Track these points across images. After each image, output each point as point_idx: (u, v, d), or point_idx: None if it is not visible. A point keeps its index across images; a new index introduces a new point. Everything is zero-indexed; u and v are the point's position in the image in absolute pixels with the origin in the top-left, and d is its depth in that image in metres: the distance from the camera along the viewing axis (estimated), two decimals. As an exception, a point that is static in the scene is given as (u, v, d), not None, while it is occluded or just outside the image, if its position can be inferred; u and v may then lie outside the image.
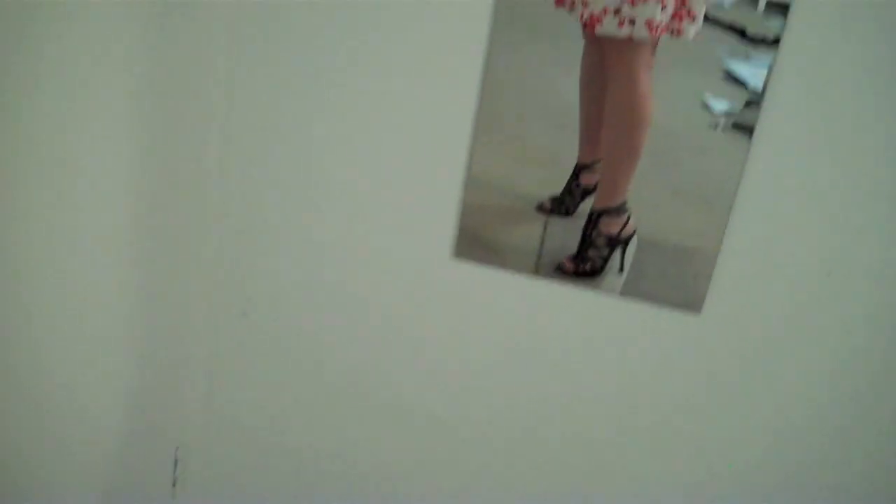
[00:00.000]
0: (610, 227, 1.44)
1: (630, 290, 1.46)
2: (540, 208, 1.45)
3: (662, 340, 1.49)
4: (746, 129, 1.35)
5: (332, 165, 1.49)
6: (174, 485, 1.67)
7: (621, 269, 1.45)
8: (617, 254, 1.45)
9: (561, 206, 1.44)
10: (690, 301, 1.44)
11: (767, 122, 1.33)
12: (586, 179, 1.43)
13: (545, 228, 1.46)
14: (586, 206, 1.44)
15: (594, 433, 1.59)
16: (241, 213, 1.54)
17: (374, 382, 1.62)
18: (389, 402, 1.64)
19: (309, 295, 1.57)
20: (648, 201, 1.41)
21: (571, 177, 1.42)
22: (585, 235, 1.45)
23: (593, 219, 1.44)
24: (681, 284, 1.44)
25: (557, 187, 1.43)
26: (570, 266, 1.47)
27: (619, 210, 1.42)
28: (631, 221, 1.43)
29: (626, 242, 1.44)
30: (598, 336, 1.51)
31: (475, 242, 1.48)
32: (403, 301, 1.55)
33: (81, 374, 1.25)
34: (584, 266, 1.46)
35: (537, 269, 1.48)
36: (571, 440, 1.60)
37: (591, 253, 1.46)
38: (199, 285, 1.57)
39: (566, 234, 1.46)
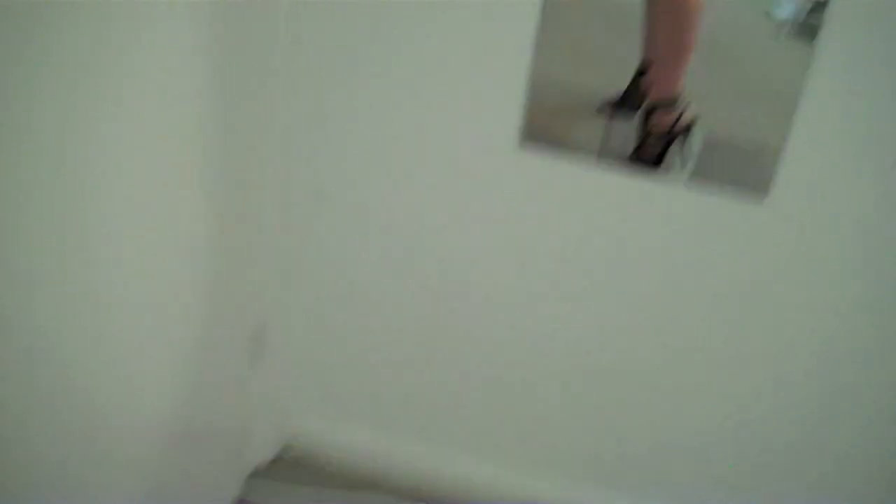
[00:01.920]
0: (664, 120, 1.47)
1: (694, 184, 1.50)
2: (601, 109, 1.49)
3: (726, 228, 1.54)
4: (811, 33, 1.37)
5: (400, 56, 1.54)
6: (253, 359, 1.80)
7: (683, 164, 1.49)
8: (676, 148, 1.49)
9: (622, 106, 1.48)
10: (755, 194, 1.48)
11: (832, 25, 1.35)
12: (647, 84, 1.46)
13: (606, 128, 1.50)
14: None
15: (655, 322, 1.67)
16: (312, 99, 1.61)
17: (439, 262, 1.72)
18: (454, 282, 1.73)
19: (378, 179, 1.66)
20: (713, 101, 1.44)
21: (634, 78, 1.46)
22: (641, 130, 1.49)
23: (647, 112, 1.47)
24: (745, 180, 1.48)
25: (619, 87, 1.47)
26: (629, 161, 1.52)
27: (673, 103, 1.45)
28: (687, 114, 1.46)
29: (683, 135, 1.47)
30: (662, 225, 1.57)
31: (540, 137, 1.54)
32: (470, 186, 1.62)
33: (163, 258, 1.33)
34: (642, 160, 1.51)
35: (599, 161, 1.53)
36: (630, 329, 1.69)
37: (648, 148, 1.49)
38: (274, 167, 1.66)
39: (627, 134, 1.50)
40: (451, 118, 1.57)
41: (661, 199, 1.54)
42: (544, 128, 1.52)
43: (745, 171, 1.48)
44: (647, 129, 1.48)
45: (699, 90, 1.44)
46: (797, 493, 1.81)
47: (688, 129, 1.46)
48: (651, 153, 1.50)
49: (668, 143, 1.48)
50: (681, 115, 1.46)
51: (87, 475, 1.24)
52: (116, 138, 1.12)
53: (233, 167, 1.49)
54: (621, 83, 1.47)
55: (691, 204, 1.52)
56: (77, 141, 1.04)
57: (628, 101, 1.48)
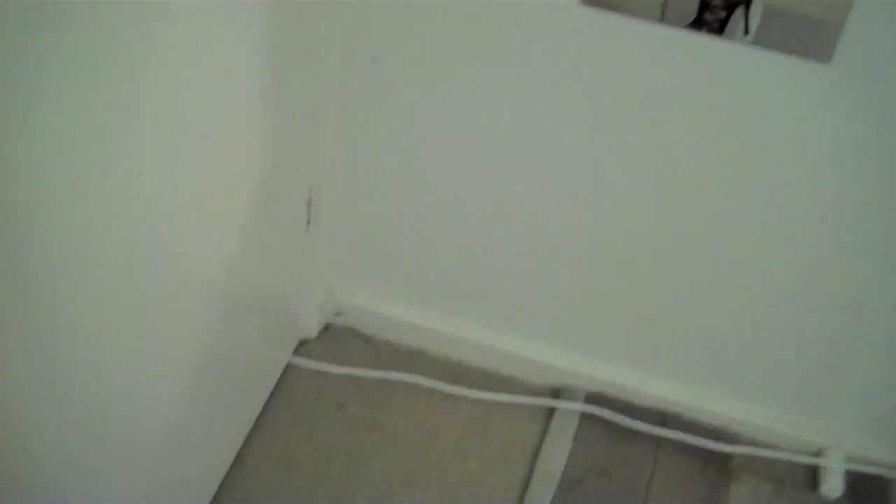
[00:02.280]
0: None
1: (760, 38, 1.47)
2: None
3: (789, 89, 1.52)
4: None
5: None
6: (308, 223, 1.81)
7: (746, 31, 1.47)
8: (738, 15, 1.46)
9: None
10: (818, 59, 1.46)
11: None
12: None
13: None
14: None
15: (710, 181, 1.66)
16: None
17: (497, 123, 1.70)
18: (512, 142, 1.71)
19: (435, 40, 1.63)
20: None
21: None
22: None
23: None
24: (807, 48, 1.45)
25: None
26: (691, 28, 1.48)
27: None
28: None
29: (745, 2, 1.45)
30: (723, 83, 1.55)
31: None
32: (532, 45, 1.59)
33: (220, 123, 1.33)
34: (704, 27, 1.48)
35: (663, 17, 1.50)
36: (684, 187, 1.68)
37: (708, 16, 1.47)
38: (329, 29, 1.64)
39: (689, 1, 1.47)
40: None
41: (723, 57, 1.51)
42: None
43: (808, 39, 1.46)
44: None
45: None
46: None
47: None
48: (713, 18, 1.47)
49: (730, 12, 1.46)
50: None
51: (141, 333, 1.25)
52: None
53: (294, 29, 1.47)
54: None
55: (754, 63, 1.50)
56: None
57: None
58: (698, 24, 1.48)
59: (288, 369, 1.93)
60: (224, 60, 1.28)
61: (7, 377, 0.97)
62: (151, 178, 1.14)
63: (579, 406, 1.95)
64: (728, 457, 1.91)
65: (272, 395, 1.87)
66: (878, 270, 1.68)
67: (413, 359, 2.00)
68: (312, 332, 2.01)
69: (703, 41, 1.50)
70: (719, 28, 1.47)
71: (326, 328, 2.04)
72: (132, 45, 1.01)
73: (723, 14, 1.46)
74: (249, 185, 1.48)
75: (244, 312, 1.62)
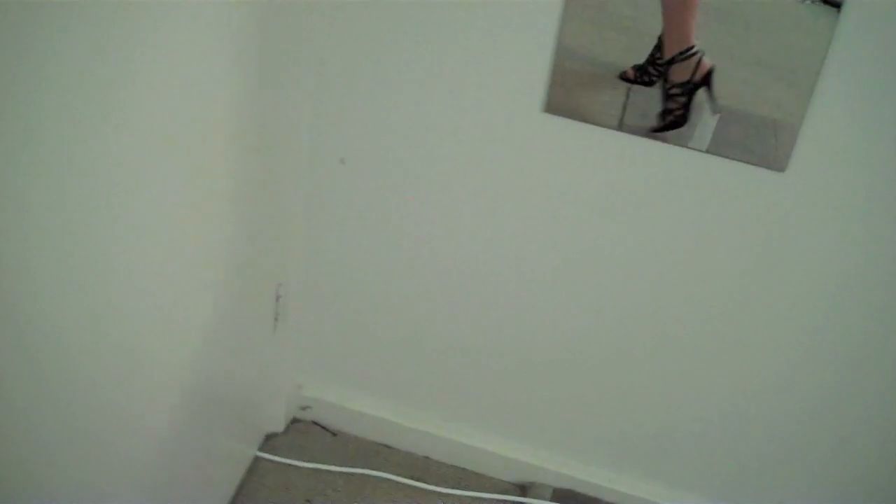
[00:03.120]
0: (682, 73, 1.50)
1: (714, 150, 1.53)
2: (622, 77, 1.52)
3: (746, 195, 1.57)
4: (835, 4, 1.39)
5: (426, 24, 1.56)
6: (276, 319, 1.82)
7: (716, 109, 1.51)
8: (701, 97, 1.51)
9: (643, 75, 1.51)
10: (774, 164, 1.51)
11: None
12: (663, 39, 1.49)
13: (627, 96, 1.53)
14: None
15: (673, 287, 1.69)
16: (341, 67, 1.63)
17: (463, 225, 1.74)
18: (478, 245, 1.75)
19: (402, 145, 1.68)
20: (731, 72, 1.47)
21: (654, 48, 1.49)
22: (664, 89, 1.52)
23: (664, 71, 1.50)
24: (764, 151, 1.51)
25: (641, 56, 1.50)
26: (657, 123, 1.54)
27: (687, 54, 1.48)
28: (704, 62, 1.48)
29: (704, 84, 1.49)
30: (682, 190, 1.59)
31: (563, 103, 1.56)
32: (495, 151, 1.64)
33: (185, 220, 1.34)
34: (668, 118, 1.53)
35: (621, 128, 1.56)
36: (648, 294, 1.71)
37: (671, 104, 1.52)
38: (299, 133, 1.68)
39: (648, 103, 1.53)
40: (478, 86, 1.59)
41: (680, 162, 1.56)
42: (568, 95, 1.55)
43: (764, 145, 1.51)
44: (669, 85, 1.51)
45: (719, 61, 1.46)
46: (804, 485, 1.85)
47: (708, 76, 1.49)
48: (674, 110, 1.52)
49: (690, 96, 1.50)
50: (698, 63, 1.48)
51: (105, 432, 1.25)
52: (143, 101, 1.12)
53: (260, 133, 1.51)
54: (643, 52, 1.50)
55: (710, 168, 1.55)
56: (104, 106, 1.04)
57: (649, 69, 1.51)
58: (664, 116, 1.52)
59: (255, 463, 1.93)
60: (194, 159, 1.30)
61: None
62: (119, 273, 1.16)
63: (547, 503, 1.95)
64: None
65: (239, 489, 1.86)
66: (845, 377, 1.71)
67: (380, 453, 2.00)
68: (279, 426, 2.01)
69: (659, 147, 1.55)
70: (682, 118, 1.52)
71: (293, 422, 2.04)
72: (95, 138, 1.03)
73: (685, 100, 1.51)
74: (218, 283, 1.50)
75: (209, 407, 1.62)
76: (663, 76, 1.50)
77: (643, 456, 1.93)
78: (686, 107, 1.52)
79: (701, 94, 1.50)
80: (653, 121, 1.54)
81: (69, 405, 1.13)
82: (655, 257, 1.67)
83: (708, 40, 1.46)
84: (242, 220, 1.53)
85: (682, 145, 1.54)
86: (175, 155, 1.24)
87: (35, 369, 1.03)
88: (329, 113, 1.68)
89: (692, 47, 1.47)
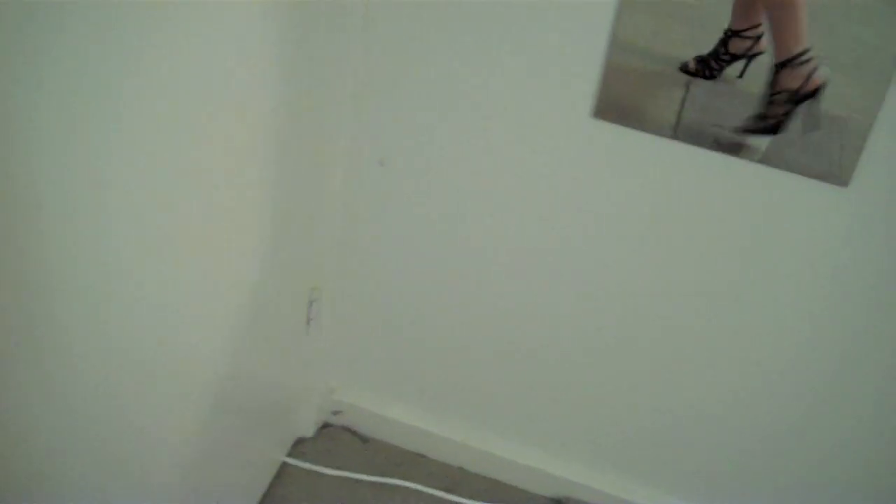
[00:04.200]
0: (791, 80, 1.39)
1: (773, 157, 1.45)
2: (683, 69, 1.43)
3: (805, 213, 1.48)
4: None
5: (472, 23, 1.50)
6: (308, 323, 1.77)
7: (812, 127, 1.40)
8: (802, 111, 1.40)
9: (706, 68, 1.42)
10: (837, 173, 1.42)
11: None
12: (735, 46, 1.41)
13: (687, 89, 1.44)
14: (731, 70, 1.42)
15: (723, 304, 1.61)
16: (382, 68, 1.57)
17: (503, 233, 1.67)
18: (518, 253, 1.68)
19: (444, 148, 1.61)
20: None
21: (720, 42, 1.40)
22: (766, 92, 1.41)
23: (773, 73, 1.39)
24: (828, 155, 1.42)
25: (703, 48, 1.41)
26: (751, 125, 1.44)
27: (800, 59, 1.37)
28: (819, 73, 1.37)
29: (811, 97, 1.39)
30: (736, 204, 1.51)
31: (614, 106, 1.49)
32: (540, 158, 1.57)
33: (220, 221, 1.30)
34: (763, 123, 1.43)
35: (676, 132, 1.48)
36: (696, 311, 1.63)
37: (772, 110, 1.41)
38: (338, 134, 1.63)
39: (708, 97, 1.44)
40: (525, 87, 1.52)
41: (737, 175, 1.48)
42: (620, 96, 1.47)
43: (829, 147, 1.42)
44: (773, 92, 1.40)
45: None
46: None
47: (818, 90, 1.39)
48: (775, 116, 1.42)
49: (794, 105, 1.40)
50: (811, 74, 1.37)
51: (136, 430, 1.22)
52: (181, 97, 1.08)
53: (298, 135, 1.46)
54: (706, 44, 1.41)
55: (768, 182, 1.47)
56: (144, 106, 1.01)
57: (712, 63, 1.42)
58: (761, 118, 1.43)
59: (283, 469, 1.88)
60: (229, 159, 1.26)
61: None
62: (153, 272, 1.12)
63: (582, 520, 1.88)
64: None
65: (265, 495, 1.82)
66: (876, 410, 1.63)
67: (412, 462, 1.95)
68: (309, 431, 1.96)
69: (714, 158, 1.47)
70: (780, 122, 1.42)
71: (324, 427, 1.99)
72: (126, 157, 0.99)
73: (786, 108, 1.41)
74: (250, 284, 1.46)
75: (239, 410, 1.58)
76: (770, 81, 1.40)
77: (680, 474, 1.85)
78: (787, 115, 1.42)
79: (803, 107, 1.40)
80: (713, 116, 1.44)
81: (97, 405, 1.10)
82: (706, 276, 1.59)
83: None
84: (278, 221, 1.48)
85: (736, 155, 1.46)
86: (210, 155, 1.19)
87: (65, 372, 0.99)
88: (369, 114, 1.62)
89: (807, 51, 1.36)
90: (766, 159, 1.45)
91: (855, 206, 1.45)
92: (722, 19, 1.39)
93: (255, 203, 1.39)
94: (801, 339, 1.60)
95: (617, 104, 1.48)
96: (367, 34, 1.54)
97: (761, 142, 1.44)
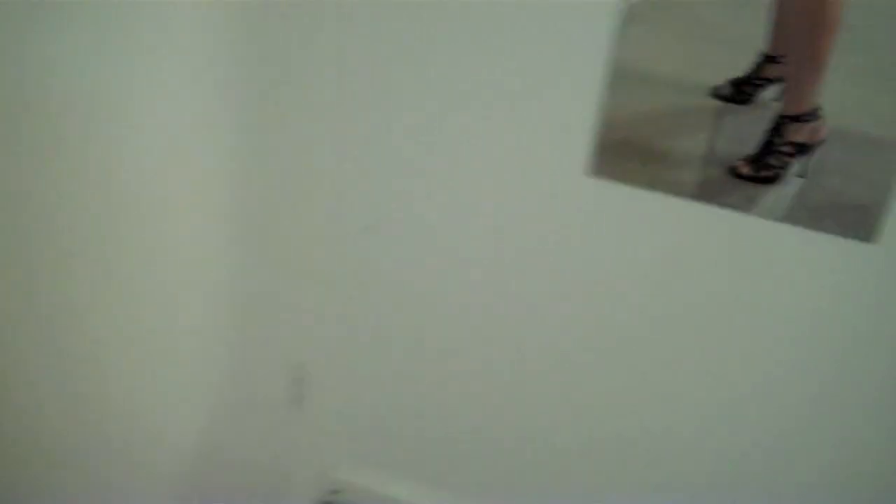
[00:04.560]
0: (798, 134, 1.28)
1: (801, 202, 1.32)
2: (716, 94, 1.30)
3: (829, 274, 1.34)
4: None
5: (454, 70, 1.40)
6: (295, 401, 1.67)
7: (803, 174, 1.29)
8: (800, 162, 1.29)
9: (739, 93, 1.30)
10: (861, 233, 1.28)
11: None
12: (770, 72, 1.27)
13: (717, 118, 1.31)
14: (763, 95, 1.30)
15: (734, 375, 1.48)
16: (366, 131, 1.48)
17: (498, 300, 1.55)
18: (515, 326, 1.57)
19: (431, 212, 1.51)
20: (834, 84, 1.24)
21: (755, 67, 1.27)
22: (768, 141, 1.30)
23: (779, 124, 1.28)
24: (852, 216, 1.28)
25: (731, 73, 1.28)
26: (746, 169, 1.32)
27: (809, 116, 1.26)
28: (823, 128, 1.26)
29: (813, 150, 1.28)
30: (753, 268, 1.38)
31: (620, 153, 1.36)
32: (533, 223, 1.46)
33: (191, 289, 1.22)
34: (763, 173, 1.31)
35: (702, 185, 1.33)
36: (705, 378, 1.50)
37: (774, 160, 1.30)
38: (322, 200, 1.53)
39: (741, 128, 1.31)
40: (512, 144, 1.41)
41: (748, 235, 1.35)
42: (620, 146, 1.34)
43: (866, 175, 1.27)
44: (776, 142, 1.29)
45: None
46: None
47: (820, 143, 1.27)
48: (774, 166, 1.30)
49: (801, 157, 1.29)
50: (817, 130, 1.27)
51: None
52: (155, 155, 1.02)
53: (274, 197, 1.38)
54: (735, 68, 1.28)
55: (786, 243, 1.34)
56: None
57: (746, 88, 1.28)
58: (764, 167, 1.31)
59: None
60: (204, 234, 1.19)
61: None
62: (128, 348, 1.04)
63: None
64: None
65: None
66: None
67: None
68: (305, 511, 1.84)
69: (726, 217, 1.35)
70: (781, 173, 1.31)
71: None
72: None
73: (790, 160, 1.29)
74: (219, 365, 1.37)
75: (218, 493, 1.48)
76: (776, 132, 1.29)
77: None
78: (787, 167, 1.30)
79: (802, 158, 1.29)
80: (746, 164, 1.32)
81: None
82: (713, 341, 1.46)
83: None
84: (250, 299, 1.39)
85: (746, 212, 1.33)
86: (185, 222, 1.12)
87: None
88: (353, 176, 1.52)
89: (818, 109, 1.26)
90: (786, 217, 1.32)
91: (881, 265, 1.31)
92: (753, 43, 1.26)
93: (233, 271, 1.31)
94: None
95: (624, 154, 1.35)
96: (351, 91, 1.46)
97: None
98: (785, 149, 1.29)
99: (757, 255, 1.37)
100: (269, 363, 1.56)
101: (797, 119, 1.28)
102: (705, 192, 1.34)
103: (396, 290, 1.61)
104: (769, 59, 1.27)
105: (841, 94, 1.24)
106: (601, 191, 1.39)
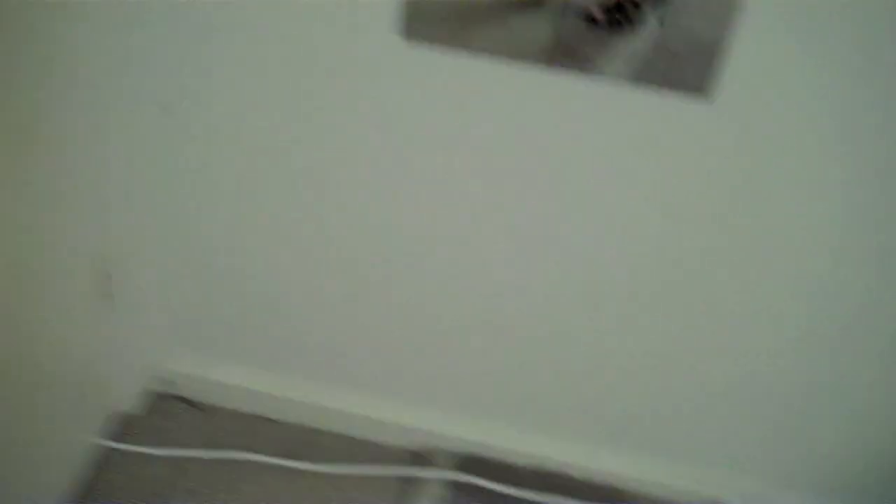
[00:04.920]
0: None
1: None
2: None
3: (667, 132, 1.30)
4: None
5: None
6: (110, 295, 1.56)
7: (662, 23, 1.20)
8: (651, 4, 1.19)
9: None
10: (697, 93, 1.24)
11: None
12: None
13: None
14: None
15: (585, 241, 1.45)
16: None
17: (319, 172, 1.46)
18: (326, 210, 1.49)
19: (234, 85, 1.38)
20: None
21: None
22: None
23: None
24: (687, 77, 1.23)
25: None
26: (601, 15, 1.22)
27: None
28: None
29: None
30: (592, 129, 1.33)
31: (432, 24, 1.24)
32: (355, 91, 1.34)
33: None
34: (618, 15, 1.21)
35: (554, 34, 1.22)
36: (557, 252, 1.47)
37: (629, 5, 1.20)
38: (112, 77, 1.38)
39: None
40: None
41: (590, 98, 1.28)
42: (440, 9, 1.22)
43: (688, 66, 1.22)
44: None
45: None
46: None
47: None
48: (630, 12, 1.19)
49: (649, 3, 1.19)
50: None
51: None
52: None
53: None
54: None
55: (627, 103, 1.28)
56: None
57: None
58: (614, 10, 1.20)
59: (109, 454, 1.67)
60: None
61: None
62: None
63: (449, 473, 1.73)
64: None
65: (89, 484, 1.61)
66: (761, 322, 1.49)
67: (257, 429, 1.76)
68: (135, 406, 1.76)
69: (563, 81, 1.27)
70: (638, 19, 1.20)
71: (156, 400, 1.79)
72: None
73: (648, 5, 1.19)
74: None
75: (24, 393, 1.38)
76: None
77: (559, 413, 1.71)
78: (643, 14, 1.19)
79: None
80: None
81: None
82: (562, 204, 1.42)
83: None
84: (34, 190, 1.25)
85: (599, 63, 1.24)
86: None
87: None
88: (143, 49, 1.35)
89: None
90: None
91: (717, 120, 1.27)
92: None
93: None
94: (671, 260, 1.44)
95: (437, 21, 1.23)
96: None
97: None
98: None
99: (600, 118, 1.31)
100: (63, 260, 1.43)
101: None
102: (558, 44, 1.24)
103: (205, 175, 1.50)
104: None
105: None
106: (420, 57, 1.28)
